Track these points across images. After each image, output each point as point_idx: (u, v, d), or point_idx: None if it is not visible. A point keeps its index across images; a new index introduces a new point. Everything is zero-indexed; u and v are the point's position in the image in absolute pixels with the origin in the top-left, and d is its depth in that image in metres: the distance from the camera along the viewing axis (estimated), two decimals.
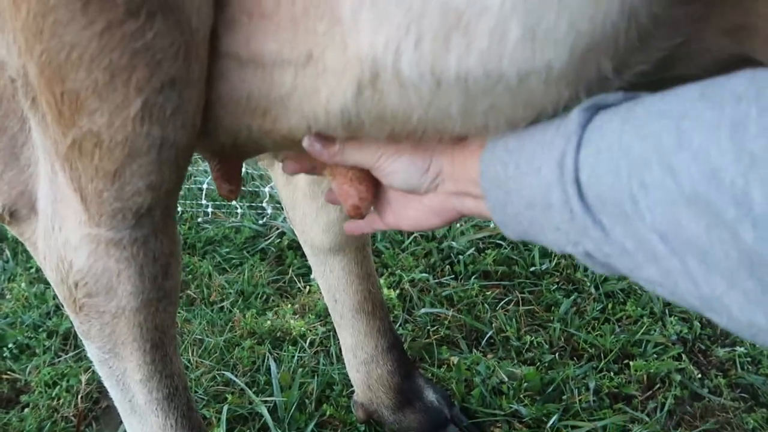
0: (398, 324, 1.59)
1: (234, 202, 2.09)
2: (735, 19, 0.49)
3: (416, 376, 1.31)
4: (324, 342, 1.54)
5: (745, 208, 0.34)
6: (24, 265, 1.84)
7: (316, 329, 1.58)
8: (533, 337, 1.53)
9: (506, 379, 1.41)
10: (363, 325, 1.24)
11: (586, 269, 1.75)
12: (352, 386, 1.33)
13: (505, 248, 1.83)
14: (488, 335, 1.55)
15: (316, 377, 1.42)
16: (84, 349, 1.53)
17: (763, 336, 0.37)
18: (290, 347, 1.52)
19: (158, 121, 0.56)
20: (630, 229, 0.41)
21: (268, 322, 1.59)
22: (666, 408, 1.34)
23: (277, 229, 1.96)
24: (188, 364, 1.48)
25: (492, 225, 1.92)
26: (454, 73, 0.50)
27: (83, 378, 1.44)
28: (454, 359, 1.47)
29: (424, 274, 1.74)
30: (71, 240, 0.67)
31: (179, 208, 2.06)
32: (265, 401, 1.36)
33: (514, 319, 1.60)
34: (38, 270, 1.82)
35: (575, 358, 1.49)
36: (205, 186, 2.12)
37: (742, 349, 1.49)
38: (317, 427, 1.31)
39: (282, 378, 1.41)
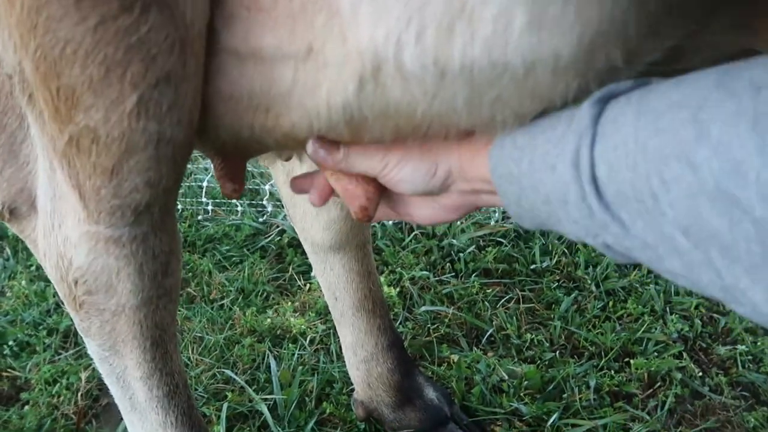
0: (398, 322, 1.58)
1: (234, 200, 2.09)
2: (744, 12, 0.48)
3: (416, 374, 1.31)
4: (324, 340, 1.54)
5: None
6: (24, 263, 1.84)
7: (316, 327, 1.58)
8: (534, 335, 1.53)
9: (506, 378, 1.41)
10: (363, 323, 1.24)
11: (587, 267, 1.74)
12: (352, 384, 1.33)
13: (506, 246, 1.83)
14: (488, 333, 1.54)
15: (316, 375, 1.42)
16: (84, 347, 1.53)
17: None
18: (290, 345, 1.52)
19: (154, 116, 0.56)
20: (651, 224, 0.41)
21: (269, 319, 1.59)
22: (667, 406, 1.34)
23: (278, 226, 1.96)
24: (188, 362, 1.48)
25: (493, 223, 1.91)
26: (459, 63, 0.49)
27: (83, 375, 1.44)
28: (455, 357, 1.47)
29: (424, 272, 1.74)
30: (71, 237, 0.67)
31: (179, 206, 2.05)
32: (265, 399, 1.36)
33: (514, 317, 1.59)
34: (38, 268, 1.82)
35: (576, 356, 1.49)
36: (205, 183, 2.12)
37: (743, 347, 1.48)
38: (317, 425, 1.31)
39: (282, 376, 1.41)
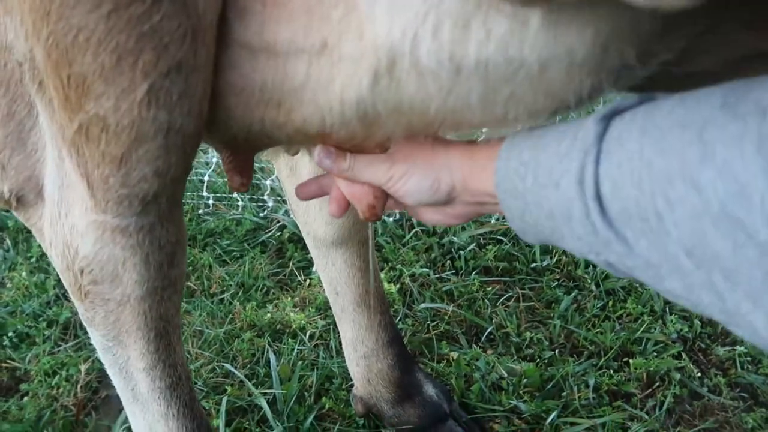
0: (398, 319, 1.59)
1: (235, 195, 2.09)
2: (757, 13, 0.48)
3: (416, 370, 1.31)
4: (324, 335, 1.54)
5: None
6: (25, 255, 1.84)
7: (315, 322, 1.58)
8: (533, 334, 1.53)
9: (506, 375, 1.41)
10: (364, 318, 1.24)
11: (587, 266, 1.75)
12: (351, 380, 1.33)
13: (506, 244, 1.83)
14: (488, 331, 1.55)
15: (315, 370, 1.42)
16: (84, 339, 1.53)
17: None
18: (290, 340, 1.52)
19: (165, 105, 0.56)
20: (655, 243, 0.41)
21: (268, 314, 1.59)
22: (665, 406, 1.34)
23: (278, 221, 1.96)
24: (188, 356, 1.48)
25: (493, 221, 1.92)
26: (474, 59, 0.49)
27: (83, 368, 1.44)
28: (454, 354, 1.47)
29: (424, 269, 1.74)
30: (77, 226, 0.67)
31: None
32: (265, 393, 1.36)
33: (514, 315, 1.60)
34: (38, 259, 1.82)
35: (575, 355, 1.49)
36: (206, 178, 2.12)
37: (742, 348, 1.49)
38: (316, 420, 1.31)
39: (281, 370, 1.41)
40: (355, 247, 1.18)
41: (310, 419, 1.30)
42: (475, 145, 0.60)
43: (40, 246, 1.81)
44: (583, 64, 0.48)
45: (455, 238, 1.85)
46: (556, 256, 1.79)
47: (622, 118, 0.45)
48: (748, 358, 1.48)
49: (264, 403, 1.32)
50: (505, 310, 1.62)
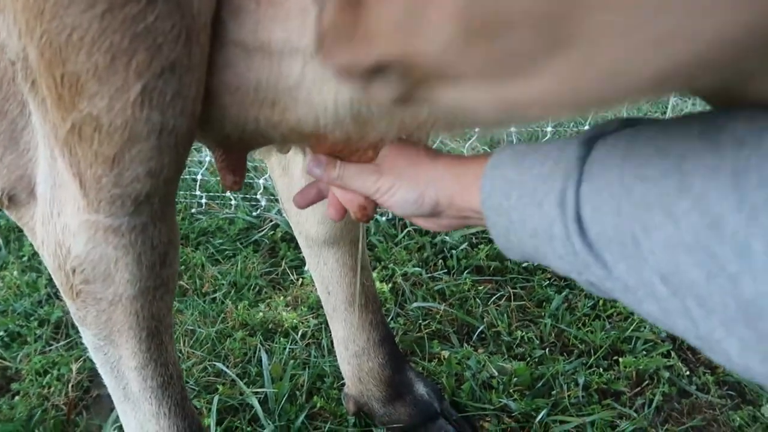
0: (390, 318, 1.59)
1: (228, 194, 2.09)
2: None
3: (407, 369, 1.32)
4: (315, 334, 1.55)
5: (746, 261, 0.34)
6: (16, 254, 1.83)
7: (307, 321, 1.58)
8: (524, 333, 1.54)
9: (496, 374, 1.42)
10: (355, 317, 1.24)
11: None
12: (342, 379, 1.34)
13: None
14: (479, 330, 1.55)
15: (307, 369, 1.43)
16: (75, 338, 1.52)
17: (760, 379, 0.37)
18: (282, 339, 1.52)
19: (158, 106, 0.56)
20: (632, 267, 0.41)
21: (260, 313, 1.59)
22: (654, 404, 1.36)
23: (271, 221, 1.96)
24: (180, 355, 1.48)
25: None
26: None
27: (74, 367, 1.44)
28: (445, 353, 1.48)
29: (416, 268, 1.75)
30: (70, 226, 0.67)
31: None
32: (256, 392, 1.36)
33: (505, 315, 1.60)
34: (30, 258, 1.81)
35: (565, 354, 1.50)
36: (199, 177, 2.11)
37: None
38: (307, 419, 1.32)
39: (273, 370, 1.42)
40: (347, 247, 1.18)
41: (301, 418, 1.30)
42: (461, 160, 0.61)
43: (31, 245, 1.81)
44: None
45: (447, 238, 1.86)
46: None
47: (604, 142, 0.45)
48: None
49: (255, 402, 1.32)
50: (497, 309, 1.62)
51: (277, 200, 1.99)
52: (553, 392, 1.38)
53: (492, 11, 0.31)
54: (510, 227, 0.53)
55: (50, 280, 1.68)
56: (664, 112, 2.59)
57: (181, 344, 1.51)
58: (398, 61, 0.39)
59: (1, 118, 0.65)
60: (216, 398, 1.33)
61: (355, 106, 0.57)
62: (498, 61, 0.33)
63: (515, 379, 1.40)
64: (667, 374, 1.42)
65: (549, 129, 2.41)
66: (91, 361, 1.41)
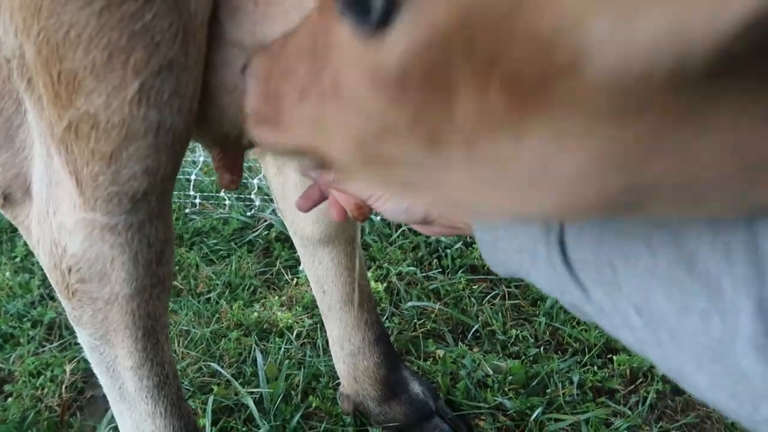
0: (385, 317, 1.59)
1: (222, 194, 2.08)
2: None
3: (402, 368, 1.32)
4: (311, 334, 1.55)
5: (716, 300, 0.34)
6: (9, 254, 1.82)
7: (302, 321, 1.58)
8: (519, 331, 1.55)
9: (491, 373, 1.42)
10: (351, 317, 1.24)
11: None
12: (338, 378, 1.34)
13: None
14: (474, 329, 1.56)
15: (302, 369, 1.43)
16: (69, 339, 1.52)
17: (729, 414, 0.38)
18: (277, 339, 1.52)
19: (155, 104, 0.56)
20: (609, 294, 0.42)
21: (255, 313, 1.59)
22: (648, 402, 1.36)
23: (265, 221, 1.96)
24: (175, 355, 1.48)
25: None
26: None
27: (68, 368, 1.43)
28: (440, 352, 1.48)
29: (411, 268, 1.75)
30: (66, 224, 0.67)
31: None
32: (251, 392, 1.36)
33: (500, 313, 1.61)
34: (23, 259, 1.80)
35: (560, 352, 1.51)
36: (193, 177, 2.11)
37: None
38: (303, 419, 1.32)
39: (268, 369, 1.41)
40: (342, 246, 1.18)
41: (296, 418, 1.30)
42: None
43: (24, 245, 1.80)
44: None
45: (442, 237, 1.86)
46: None
47: None
48: None
49: (251, 402, 1.32)
50: (491, 308, 1.63)
51: (271, 200, 1.99)
52: (548, 390, 1.39)
53: (378, 154, 0.34)
54: (498, 242, 0.53)
55: (43, 281, 1.68)
56: None
57: (176, 345, 1.50)
58: (313, 152, 0.42)
59: None
60: (211, 398, 1.32)
61: None
62: (391, 180, 0.36)
63: (510, 377, 1.41)
64: (660, 372, 1.43)
65: None
66: (84, 362, 1.41)
